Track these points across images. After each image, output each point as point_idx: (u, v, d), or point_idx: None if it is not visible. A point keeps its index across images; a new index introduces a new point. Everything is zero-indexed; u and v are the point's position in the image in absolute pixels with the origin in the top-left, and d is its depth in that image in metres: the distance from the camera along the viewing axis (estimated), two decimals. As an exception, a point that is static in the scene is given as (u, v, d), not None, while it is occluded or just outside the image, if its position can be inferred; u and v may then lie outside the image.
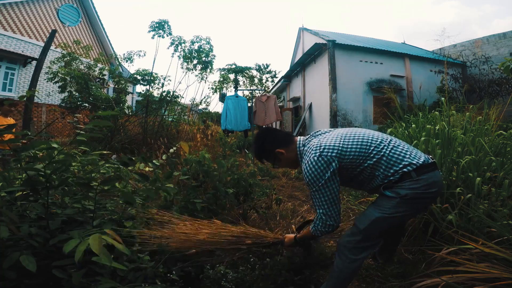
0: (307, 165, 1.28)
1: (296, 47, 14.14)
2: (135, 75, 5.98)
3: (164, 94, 6.06)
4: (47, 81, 5.94)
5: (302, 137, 1.49)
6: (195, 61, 6.11)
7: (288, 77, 13.82)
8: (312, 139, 1.41)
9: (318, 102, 10.03)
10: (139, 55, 6.07)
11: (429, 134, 2.21)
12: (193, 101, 6.97)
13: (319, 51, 9.78)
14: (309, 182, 1.28)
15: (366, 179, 1.33)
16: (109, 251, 0.94)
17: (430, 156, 1.35)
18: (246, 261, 1.71)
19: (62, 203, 1.41)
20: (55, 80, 5.71)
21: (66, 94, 5.80)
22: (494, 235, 1.47)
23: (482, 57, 8.75)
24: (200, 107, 7.46)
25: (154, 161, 1.57)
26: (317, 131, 1.48)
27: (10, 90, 9.39)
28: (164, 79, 6.12)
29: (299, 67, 12.07)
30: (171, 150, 1.97)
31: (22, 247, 1.07)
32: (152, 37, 5.81)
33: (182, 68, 6.16)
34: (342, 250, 1.33)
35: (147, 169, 1.67)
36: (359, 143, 1.30)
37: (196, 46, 6.10)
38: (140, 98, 6.26)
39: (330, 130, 1.46)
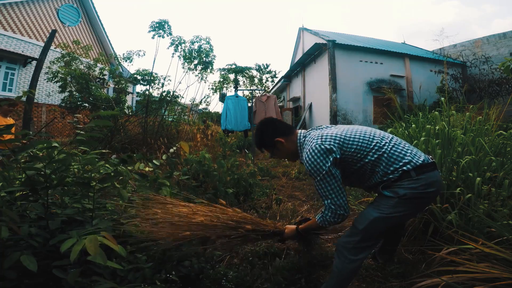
0: (308, 153, 1.27)
1: (296, 47, 14.15)
2: (135, 75, 5.98)
3: (164, 94, 6.06)
4: (47, 81, 5.94)
5: (303, 130, 1.48)
6: (195, 61, 6.11)
7: (288, 77, 13.82)
8: (314, 131, 1.41)
9: (318, 102, 10.03)
10: (139, 55, 6.07)
11: (429, 134, 2.20)
12: (193, 101, 6.97)
13: (319, 51, 9.79)
14: (312, 170, 1.26)
15: (365, 175, 1.32)
16: (109, 251, 0.94)
17: (430, 156, 1.34)
18: (246, 261, 1.71)
19: (62, 203, 1.41)
20: (55, 80, 5.72)
21: (66, 94, 5.81)
22: (494, 235, 1.47)
23: (482, 57, 8.75)
24: (200, 107, 7.46)
25: (154, 161, 1.57)
26: (319, 126, 1.48)
27: (10, 90, 9.40)
28: (164, 79, 6.12)
29: (299, 67, 12.07)
30: (171, 150, 1.97)
31: (22, 247, 1.07)
32: (152, 37, 5.80)
33: (183, 68, 6.16)
34: (341, 250, 1.32)
35: (147, 169, 1.67)
36: (361, 137, 1.30)
37: (196, 46, 6.10)
38: (140, 98, 6.25)
39: (333, 126, 1.46)
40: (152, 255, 1.46)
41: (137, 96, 6.33)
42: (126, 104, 6.21)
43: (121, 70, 6.56)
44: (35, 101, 9.18)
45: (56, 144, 1.19)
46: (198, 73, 6.35)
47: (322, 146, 1.25)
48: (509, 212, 1.63)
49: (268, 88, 19.93)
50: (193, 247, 1.69)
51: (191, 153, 2.63)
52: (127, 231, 1.47)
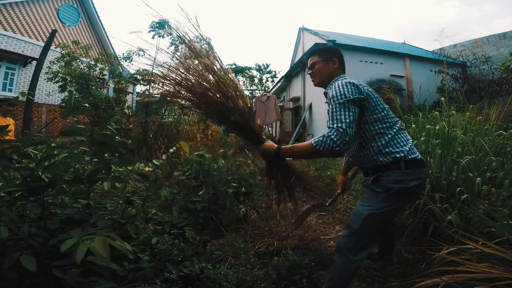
0: (340, 83, 1.27)
1: (296, 47, 14.14)
2: (135, 75, 5.98)
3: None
4: (47, 81, 5.95)
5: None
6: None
7: (288, 77, 13.81)
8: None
9: (318, 102, 10.02)
10: (139, 55, 6.07)
11: (429, 134, 2.20)
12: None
13: (319, 51, 9.77)
14: (335, 94, 1.23)
15: (362, 143, 1.33)
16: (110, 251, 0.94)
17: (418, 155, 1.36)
18: (246, 261, 1.71)
19: (62, 203, 1.41)
20: (55, 80, 5.72)
21: (67, 94, 5.81)
22: (494, 235, 1.47)
23: (482, 57, 8.74)
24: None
25: (154, 161, 1.57)
26: None
27: (10, 90, 9.39)
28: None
29: (299, 67, 12.07)
30: (171, 150, 1.97)
31: (22, 247, 1.07)
32: (153, 37, 5.82)
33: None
34: (342, 251, 1.33)
35: (147, 169, 1.67)
36: (385, 106, 1.35)
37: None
38: (140, 98, 6.25)
39: None
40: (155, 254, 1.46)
41: (137, 96, 6.31)
42: (126, 104, 6.21)
43: (121, 70, 6.56)
44: (35, 101, 9.18)
45: (53, 144, 1.19)
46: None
47: (355, 84, 1.27)
48: (509, 212, 1.63)
49: (268, 88, 19.92)
50: (193, 247, 1.69)
51: (191, 153, 2.63)
52: (128, 230, 1.47)
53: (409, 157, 1.27)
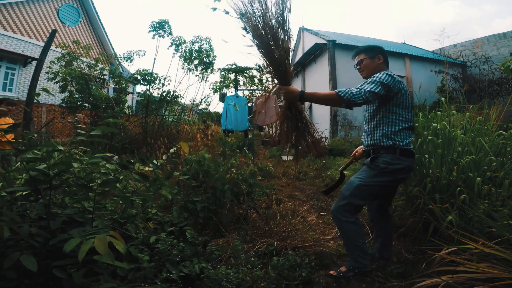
0: (382, 72, 1.59)
1: (296, 47, 14.12)
2: (135, 75, 5.98)
3: (164, 94, 6.06)
4: (48, 81, 5.94)
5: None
6: (196, 62, 6.11)
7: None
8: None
9: (318, 102, 9.99)
10: (139, 55, 6.07)
11: (434, 133, 2.20)
12: (193, 101, 6.97)
13: (319, 51, 9.78)
14: (376, 76, 1.55)
15: (379, 124, 1.62)
16: (111, 250, 0.94)
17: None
18: (246, 261, 1.71)
19: (62, 203, 1.41)
20: (56, 80, 5.71)
21: (67, 94, 5.80)
22: (494, 235, 1.47)
23: (482, 57, 8.74)
24: (200, 107, 7.46)
25: (154, 161, 1.57)
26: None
27: (10, 90, 9.39)
28: (165, 79, 6.12)
29: (299, 67, 12.07)
30: (171, 150, 1.97)
31: (22, 247, 1.07)
32: (153, 37, 5.80)
33: (183, 68, 6.16)
34: (337, 215, 1.62)
35: (147, 169, 1.67)
36: (409, 105, 1.62)
37: (196, 46, 6.10)
38: (140, 98, 6.25)
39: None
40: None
41: (137, 96, 6.31)
42: (126, 104, 6.21)
43: (121, 70, 6.56)
44: (35, 101, 9.17)
45: (61, 148, 1.19)
46: (199, 73, 6.35)
47: (393, 76, 1.56)
48: (509, 212, 1.63)
49: (268, 88, 19.86)
50: (193, 247, 1.69)
51: (191, 153, 2.63)
52: (128, 230, 1.47)
53: (404, 147, 1.56)
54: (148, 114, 5.92)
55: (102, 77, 6.56)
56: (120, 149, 5.09)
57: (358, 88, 1.48)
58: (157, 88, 6.09)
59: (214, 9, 1.74)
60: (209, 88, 6.92)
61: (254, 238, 2.14)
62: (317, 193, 3.66)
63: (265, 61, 1.61)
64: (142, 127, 5.96)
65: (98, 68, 6.45)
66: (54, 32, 4.87)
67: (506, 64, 1.95)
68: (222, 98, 7.35)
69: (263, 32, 1.54)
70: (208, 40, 6.14)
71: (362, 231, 1.69)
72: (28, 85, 7.27)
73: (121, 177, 1.43)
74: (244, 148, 4.10)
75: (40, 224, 1.21)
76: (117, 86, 6.34)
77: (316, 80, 10.29)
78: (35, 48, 9.96)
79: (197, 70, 6.27)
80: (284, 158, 5.67)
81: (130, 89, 7.48)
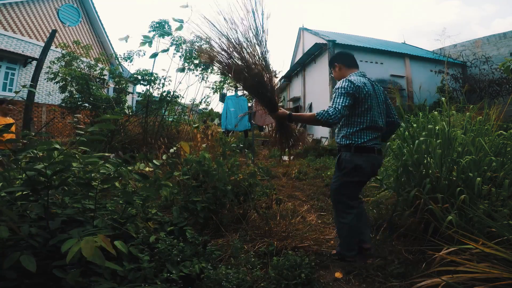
0: (342, 80, 1.78)
1: (296, 47, 14.13)
2: (135, 75, 5.98)
3: (164, 94, 6.06)
4: (48, 81, 5.94)
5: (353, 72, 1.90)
6: (196, 61, 6.10)
7: (288, 77, 13.81)
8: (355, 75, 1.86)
9: (318, 102, 10.03)
10: (139, 55, 6.07)
11: (430, 134, 2.20)
12: (193, 101, 6.97)
13: (319, 51, 9.78)
14: (338, 86, 1.74)
15: (343, 125, 1.82)
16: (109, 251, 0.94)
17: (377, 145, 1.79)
18: (246, 261, 1.71)
19: (62, 203, 1.41)
20: (56, 80, 5.71)
21: (67, 94, 5.80)
22: (494, 235, 1.46)
23: (482, 57, 8.74)
24: (200, 107, 7.46)
25: (154, 161, 1.57)
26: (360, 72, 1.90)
27: (10, 90, 9.39)
28: (165, 79, 6.12)
29: (299, 67, 12.07)
30: (171, 150, 1.97)
31: (22, 247, 1.07)
32: (153, 37, 5.80)
33: (183, 68, 6.15)
34: (335, 213, 1.92)
35: (147, 169, 1.67)
36: (368, 108, 1.75)
37: (196, 47, 6.09)
38: (140, 98, 6.25)
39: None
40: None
41: (137, 96, 6.31)
42: (126, 104, 6.20)
43: (121, 70, 6.56)
44: (35, 101, 9.18)
45: (58, 146, 1.19)
46: (199, 73, 6.35)
47: (352, 81, 1.73)
48: (509, 212, 1.63)
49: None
50: (193, 247, 1.69)
51: (191, 153, 2.63)
52: (128, 230, 1.47)
53: (360, 145, 1.74)
54: (148, 114, 5.92)
55: (102, 77, 6.55)
56: (120, 149, 5.09)
57: (332, 107, 1.64)
58: (157, 88, 6.09)
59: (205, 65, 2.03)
60: (209, 88, 6.88)
61: (254, 238, 2.14)
62: (317, 193, 3.66)
63: (253, 96, 1.94)
64: (142, 127, 5.96)
65: (98, 68, 6.44)
66: (54, 32, 4.88)
67: (506, 64, 1.95)
68: (222, 98, 7.35)
69: (250, 80, 1.78)
70: (208, 40, 6.13)
71: (357, 230, 1.83)
72: (28, 85, 7.27)
73: (121, 177, 1.43)
74: (242, 146, 4.09)
75: (40, 224, 1.21)
76: (117, 86, 6.34)
77: (316, 79, 10.28)
78: (35, 48, 9.95)
79: (197, 70, 6.27)
80: (285, 158, 5.67)
81: (130, 89, 7.47)
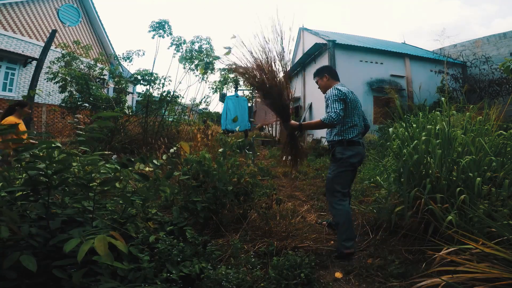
0: (332, 89, 2.10)
1: (296, 47, 14.12)
2: (135, 75, 5.98)
3: (164, 94, 6.06)
4: (47, 81, 5.94)
5: (337, 83, 2.24)
6: (196, 61, 6.10)
7: (288, 77, 13.77)
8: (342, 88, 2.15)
9: (318, 102, 10.02)
10: (138, 55, 6.07)
11: (430, 134, 2.20)
12: (193, 101, 6.97)
13: (319, 51, 9.78)
14: (329, 96, 2.05)
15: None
16: (111, 251, 0.94)
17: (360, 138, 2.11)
18: (246, 261, 1.71)
19: (62, 203, 1.41)
20: (56, 80, 5.71)
21: (67, 94, 5.80)
22: (494, 235, 1.46)
23: (482, 57, 8.73)
24: (200, 107, 7.46)
25: (154, 161, 1.57)
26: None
27: (10, 90, 9.39)
28: (165, 79, 6.12)
29: (299, 67, 12.07)
30: (172, 150, 1.97)
31: (22, 247, 1.07)
32: (153, 37, 5.80)
33: (184, 68, 6.15)
34: (331, 204, 2.08)
35: (147, 169, 1.67)
36: (354, 109, 2.11)
37: (196, 46, 6.10)
38: (140, 98, 6.25)
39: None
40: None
41: (137, 96, 6.31)
42: (126, 104, 6.20)
43: (121, 70, 6.56)
44: (35, 101, 9.17)
45: (59, 145, 1.19)
46: (199, 73, 6.35)
47: (340, 89, 2.07)
48: (509, 212, 1.63)
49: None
50: (193, 247, 1.69)
51: (192, 153, 2.63)
52: (128, 229, 1.47)
53: (350, 139, 2.05)
54: (148, 114, 5.92)
55: (102, 77, 6.55)
56: (120, 149, 5.09)
57: (333, 111, 1.95)
58: (157, 88, 6.10)
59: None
60: (209, 88, 6.90)
61: (254, 238, 2.14)
62: (317, 193, 3.66)
63: (271, 108, 2.19)
64: (142, 127, 5.96)
65: (97, 68, 6.44)
66: (54, 32, 4.88)
67: (506, 64, 1.95)
68: (222, 98, 7.35)
69: (275, 97, 2.13)
70: (208, 40, 6.14)
71: (351, 221, 2.02)
72: (28, 85, 7.27)
73: (121, 177, 1.43)
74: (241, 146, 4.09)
75: (40, 224, 1.21)
76: (117, 86, 6.34)
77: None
78: (35, 48, 9.95)
79: (197, 70, 6.27)
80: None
81: (130, 89, 7.47)
